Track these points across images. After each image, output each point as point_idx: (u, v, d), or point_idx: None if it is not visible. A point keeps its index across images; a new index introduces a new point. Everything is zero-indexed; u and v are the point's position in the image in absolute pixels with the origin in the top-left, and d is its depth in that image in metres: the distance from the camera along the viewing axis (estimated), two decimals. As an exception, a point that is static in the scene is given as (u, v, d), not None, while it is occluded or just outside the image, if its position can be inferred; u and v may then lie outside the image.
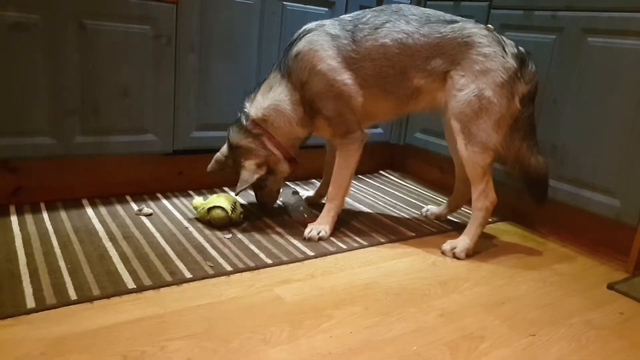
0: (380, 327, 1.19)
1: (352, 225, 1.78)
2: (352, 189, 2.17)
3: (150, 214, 1.67)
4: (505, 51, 1.57)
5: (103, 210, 1.67)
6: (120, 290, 1.20)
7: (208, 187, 1.98)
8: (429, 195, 2.20)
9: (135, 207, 1.72)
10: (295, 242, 1.58)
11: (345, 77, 1.56)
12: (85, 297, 1.16)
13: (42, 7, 1.50)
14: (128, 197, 1.79)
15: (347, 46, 1.56)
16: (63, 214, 1.60)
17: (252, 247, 1.51)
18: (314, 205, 1.92)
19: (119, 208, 1.69)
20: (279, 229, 1.67)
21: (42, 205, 1.64)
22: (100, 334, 1.05)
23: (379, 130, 2.32)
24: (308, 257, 1.49)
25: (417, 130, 2.32)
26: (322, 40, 1.56)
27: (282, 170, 1.68)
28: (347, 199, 2.03)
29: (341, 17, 1.65)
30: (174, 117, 1.79)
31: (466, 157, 1.59)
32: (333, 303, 1.27)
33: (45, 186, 1.67)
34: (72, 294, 1.16)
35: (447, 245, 1.63)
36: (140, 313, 1.14)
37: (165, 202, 1.80)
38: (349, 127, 1.61)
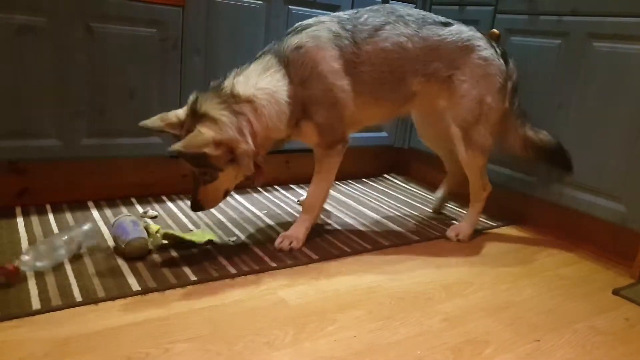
0: (384, 331, 1.19)
1: (356, 228, 1.77)
2: (356, 192, 2.18)
3: (155, 217, 1.67)
4: (497, 52, 1.65)
5: (108, 212, 1.68)
6: (125, 292, 1.21)
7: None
8: (432, 199, 2.19)
9: (140, 209, 1.73)
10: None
11: (344, 83, 1.47)
12: (90, 299, 1.16)
13: (50, 10, 1.51)
14: (133, 199, 1.80)
15: (348, 47, 1.46)
16: (69, 216, 1.61)
17: (257, 250, 1.51)
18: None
19: (124, 210, 1.70)
20: (282, 231, 1.66)
21: (48, 206, 1.65)
22: (105, 335, 1.06)
23: (384, 133, 2.32)
24: (312, 261, 1.49)
25: (421, 134, 2.32)
26: (326, 37, 1.45)
27: (244, 167, 1.37)
28: (350, 202, 2.03)
29: (337, 14, 1.55)
30: (179, 120, 1.80)
31: (467, 160, 1.68)
32: (337, 307, 1.27)
33: (51, 188, 1.68)
34: (77, 296, 1.17)
35: (451, 232, 1.76)
36: (144, 315, 1.14)
37: (170, 204, 1.80)
38: (335, 137, 1.52)
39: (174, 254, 1.43)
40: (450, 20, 1.64)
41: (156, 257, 1.40)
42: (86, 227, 1.39)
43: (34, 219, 1.55)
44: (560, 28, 1.76)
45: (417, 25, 1.55)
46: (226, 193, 1.44)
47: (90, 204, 1.72)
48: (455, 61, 1.58)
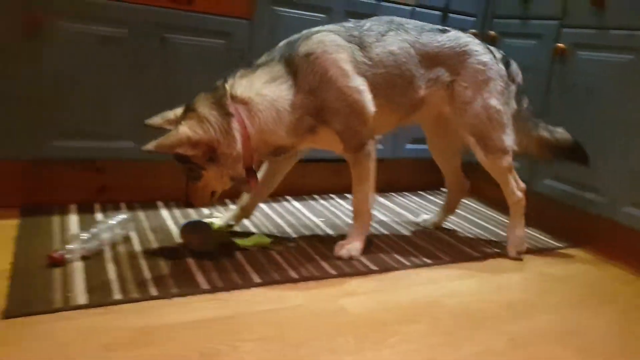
0: (445, 347, 1.18)
1: (415, 242, 1.77)
2: (412, 204, 2.17)
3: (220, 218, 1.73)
4: (495, 57, 1.65)
5: (177, 212, 1.75)
6: (195, 290, 1.26)
7: (275, 194, 2.01)
8: (492, 215, 2.15)
9: (206, 211, 1.79)
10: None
11: (359, 83, 1.44)
12: (164, 294, 1.23)
13: (130, 23, 1.62)
14: (198, 202, 1.87)
15: (358, 51, 1.47)
16: (141, 214, 1.70)
17: (316, 257, 1.54)
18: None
19: (190, 211, 1.77)
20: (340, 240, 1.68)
21: (123, 204, 1.75)
22: (179, 329, 1.11)
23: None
24: (372, 272, 1.50)
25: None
26: (336, 42, 1.44)
27: (230, 169, 1.37)
28: (407, 214, 2.02)
29: (341, 23, 1.55)
30: (245, 127, 1.86)
31: (489, 165, 1.67)
32: (397, 319, 1.27)
33: (126, 187, 1.78)
34: (153, 290, 1.24)
35: (512, 251, 1.72)
36: (214, 313, 1.19)
37: (233, 207, 1.86)
38: (361, 140, 1.48)
39: (239, 256, 1.48)
40: (447, 28, 1.65)
41: (222, 258, 1.46)
42: (122, 217, 1.50)
43: (110, 215, 1.65)
44: (633, 43, 1.70)
45: (417, 32, 1.57)
46: (214, 194, 1.44)
47: (159, 203, 1.81)
48: (455, 66, 1.59)
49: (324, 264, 1.49)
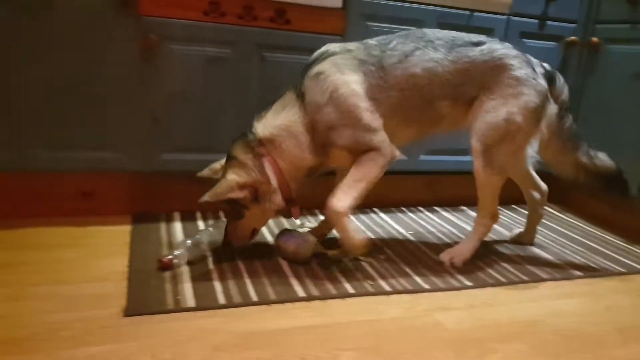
0: (551, 369, 1.12)
1: (511, 257, 1.70)
2: (506, 219, 2.08)
3: (312, 228, 1.78)
4: (535, 72, 1.53)
5: (270, 221, 1.82)
6: (292, 297, 1.31)
7: (363, 206, 2.02)
8: (594, 233, 2.01)
9: (297, 221, 1.86)
10: (451, 270, 1.56)
11: (369, 105, 1.44)
12: (264, 300, 1.29)
13: (233, 43, 1.73)
14: (290, 212, 1.94)
15: (374, 73, 1.45)
16: (238, 223, 1.79)
17: (408, 270, 1.53)
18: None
19: (283, 221, 1.84)
20: (431, 254, 1.65)
21: (221, 212, 1.86)
22: (280, 334, 1.16)
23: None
24: (466, 287, 1.46)
25: (580, 161, 2.14)
26: (349, 63, 1.45)
27: (271, 204, 1.47)
28: (501, 229, 1.94)
29: (365, 41, 1.54)
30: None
31: (482, 178, 1.56)
32: (496, 336, 1.23)
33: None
34: (254, 296, 1.30)
35: (445, 256, 1.62)
36: (311, 320, 1.23)
37: (322, 218, 1.91)
38: (370, 145, 1.44)
39: (331, 265, 1.51)
40: (482, 39, 1.55)
41: (315, 267, 1.50)
42: (222, 225, 1.60)
43: (210, 223, 1.76)
44: None
45: (446, 49, 1.51)
46: (254, 231, 1.54)
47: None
48: (487, 82, 1.51)
49: (416, 278, 1.48)
